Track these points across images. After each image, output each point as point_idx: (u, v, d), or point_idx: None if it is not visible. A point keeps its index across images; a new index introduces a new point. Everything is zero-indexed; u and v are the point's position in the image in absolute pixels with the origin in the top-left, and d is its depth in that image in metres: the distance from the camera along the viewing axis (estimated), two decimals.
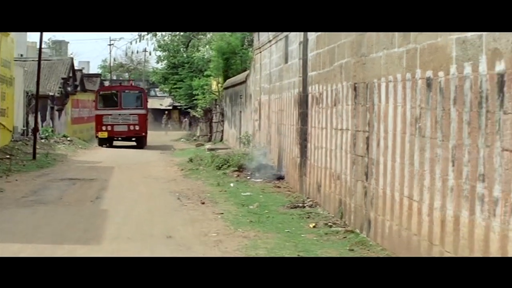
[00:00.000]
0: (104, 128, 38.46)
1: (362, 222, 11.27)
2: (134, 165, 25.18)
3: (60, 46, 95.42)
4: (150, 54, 76.31)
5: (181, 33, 56.52)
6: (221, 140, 39.28)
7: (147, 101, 41.61)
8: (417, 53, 8.88)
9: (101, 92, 41.19)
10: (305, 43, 16.11)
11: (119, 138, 39.48)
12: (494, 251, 6.81)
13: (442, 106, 8.08)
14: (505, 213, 6.62)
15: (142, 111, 39.66)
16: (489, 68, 6.94)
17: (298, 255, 9.63)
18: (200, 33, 55.10)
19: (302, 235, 11.23)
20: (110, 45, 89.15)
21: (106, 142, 39.12)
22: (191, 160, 25.00)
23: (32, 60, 45.29)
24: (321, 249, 10.13)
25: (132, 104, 39.34)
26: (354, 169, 11.79)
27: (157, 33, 55.42)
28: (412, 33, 9.07)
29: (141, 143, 39.25)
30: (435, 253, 8.23)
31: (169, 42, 57.31)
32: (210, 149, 29.71)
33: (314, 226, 12.07)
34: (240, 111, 31.70)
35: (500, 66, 6.73)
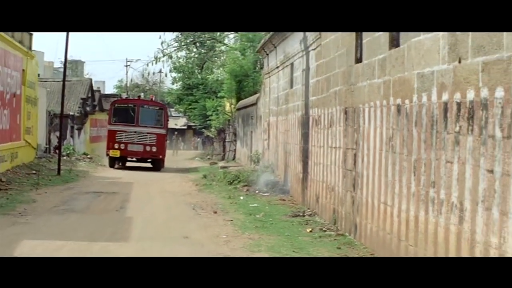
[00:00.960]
0: (116, 146, 34.02)
1: (350, 226, 13.17)
2: (151, 181, 27.07)
3: (76, 65, 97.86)
4: (166, 75, 78.48)
5: (196, 55, 58.52)
6: (234, 158, 41.18)
7: (167, 120, 37.14)
8: (391, 84, 10.81)
9: (116, 105, 36.01)
10: (307, 71, 18.07)
11: (133, 159, 35.48)
12: (441, 241, 8.69)
13: (407, 128, 10.01)
14: (447, 211, 8.52)
15: (162, 131, 35.06)
16: (438, 98, 8.86)
17: (294, 251, 11.52)
18: (214, 55, 57.17)
19: (299, 238, 13.11)
20: (126, 66, 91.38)
21: (118, 162, 35.65)
22: (205, 176, 26.95)
23: (52, 81, 47.71)
24: (313, 247, 12.01)
25: (150, 122, 34.71)
26: (345, 182, 13.71)
27: (173, 55, 57.50)
28: (387, 67, 11.01)
29: (157, 166, 35.19)
30: (402, 247, 10.13)
31: (184, 64, 59.25)
32: (223, 167, 31.66)
33: (310, 231, 13.95)
34: (251, 131, 33.66)
35: (445, 96, 8.64)
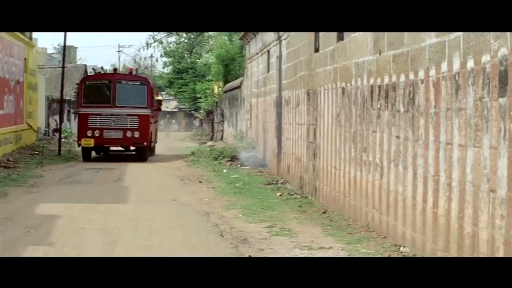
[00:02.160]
0: (89, 133, 27.20)
1: (312, 190, 15.73)
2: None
3: (69, 51, 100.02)
4: (157, 60, 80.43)
5: (185, 41, 60.95)
6: (222, 138, 43.68)
7: (153, 97, 28.94)
8: (338, 70, 13.33)
9: (86, 82, 28.92)
10: (280, 58, 20.60)
11: (110, 148, 29.68)
12: (370, 194, 11.26)
13: (348, 106, 12.55)
14: (373, 170, 11.08)
15: (145, 111, 27.86)
16: (367, 82, 11.39)
17: (262, 209, 14.05)
18: (202, 41, 59.61)
19: (269, 200, 15.65)
20: (119, 51, 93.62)
21: (98, 153, 30.00)
22: (193, 153, 29.45)
23: (49, 67, 50.32)
24: (279, 206, 14.54)
25: (131, 100, 27.72)
26: (308, 153, 16.26)
27: (163, 40, 59.95)
28: (335, 57, 13.53)
29: (142, 156, 28.38)
30: (346, 202, 12.70)
31: (174, 49, 61.58)
32: (210, 146, 34.18)
33: (280, 195, 16.48)
34: (237, 112, 36.18)
35: (371, 81, 11.18)
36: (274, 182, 18.95)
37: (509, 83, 6.62)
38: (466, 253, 7.51)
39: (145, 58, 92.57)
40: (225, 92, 43.80)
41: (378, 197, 10.84)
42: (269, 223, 12.21)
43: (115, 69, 31.68)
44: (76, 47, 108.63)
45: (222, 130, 44.74)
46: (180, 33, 60.26)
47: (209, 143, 39.09)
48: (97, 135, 27.29)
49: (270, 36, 22.51)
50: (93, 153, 28.99)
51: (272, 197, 16.22)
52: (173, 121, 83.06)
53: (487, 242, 7.07)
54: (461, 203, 7.69)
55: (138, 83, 28.61)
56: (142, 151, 28.50)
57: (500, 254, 6.77)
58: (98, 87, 28.33)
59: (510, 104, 6.59)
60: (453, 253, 7.87)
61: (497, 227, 6.85)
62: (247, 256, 9.36)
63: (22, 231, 11.26)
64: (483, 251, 7.14)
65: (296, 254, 9.61)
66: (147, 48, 61.59)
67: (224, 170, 22.63)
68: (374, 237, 10.57)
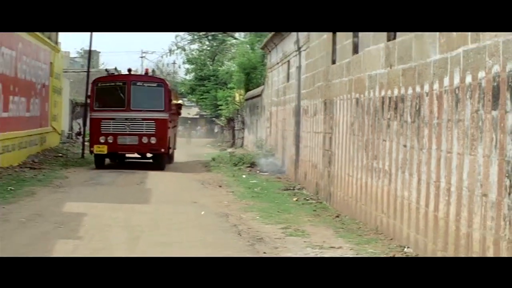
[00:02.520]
0: (102, 139, 25.48)
1: (326, 195, 16.42)
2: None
3: (92, 56, 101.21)
4: (179, 67, 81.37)
5: (208, 48, 61.76)
6: (242, 145, 44.43)
7: (170, 100, 26.76)
8: (353, 82, 14.02)
9: (99, 84, 26.84)
10: (299, 68, 21.32)
11: (126, 155, 27.94)
12: (379, 199, 11.93)
13: (361, 116, 13.24)
14: (382, 176, 11.76)
15: (163, 115, 25.97)
16: (379, 93, 12.08)
17: (278, 212, 14.75)
18: (225, 49, 60.41)
19: (286, 204, 16.34)
20: (141, 57, 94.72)
21: (113, 160, 28.08)
22: (213, 159, 30.21)
23: (73, 71, 51.41)
24: (294, 210, 15.23)
25: (147, 104, 25.90)
26: (324, 160, 16.95)
27: (186, 48, 60.82)
28: (351, 69, 14.22)
29: (160, 163, 26.41)
30: (358, 207, 13.37)
31: (196, 57, 62.43)
32: (231, 152, 34.93)
33: (296, 200, 17.18)
34: (257, 120, 36.91)
35: (383, 93, 11.87)
36: (291, 188, 19.63)
37: (500, 97, 7.30)
38: (462, 253, 8.19)
39: (167, 65, 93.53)
40: (246, 100, 44.54)
41: (386, 202, 11.52)
42: (284, 225, 12.90)
43: (129, 70, 27.76)
44: (99, 52, 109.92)
45: (243, 137, 45.48)
46: (203, 41, 61.11)
47: (230, 150, 39.82)
48: (110, 141, 25.47)
49: (290, 46, 23.23)
50: (107, 160, 27.52)
51: (289, 201, 16.90)
52: (196, 127, 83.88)
53: (479, 242, 7.75)
54: (458, 206, 8.37)
55: (154, 84, 26.51)
56: (160, 159, 26.45)
57: (490, 253, 7.43)
58: (111, 90, 26.35)
59: (501, 116, 7.27)
60: (450, 253, 8.54)
61: (488, 228, 7.53)
62: (262, 253, 10.08)
63: (51, 226, 12.03)
64: (475, 250, 7.81)
65: (308, 252, 10.30)
66: (170, 55, 62.40)
67: (244, 176, 23.35)
68: (381, 239, 11.24)
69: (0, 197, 15.49)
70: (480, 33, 7.86)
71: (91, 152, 26.12)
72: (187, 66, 64.87)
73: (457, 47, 8.53)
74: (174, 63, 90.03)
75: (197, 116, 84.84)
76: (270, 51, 30.24)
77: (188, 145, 52.72)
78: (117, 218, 13.25)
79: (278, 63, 27.12)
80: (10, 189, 17.07)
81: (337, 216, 14.17)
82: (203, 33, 59.52)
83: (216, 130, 74.43)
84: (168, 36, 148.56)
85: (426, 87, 9.64)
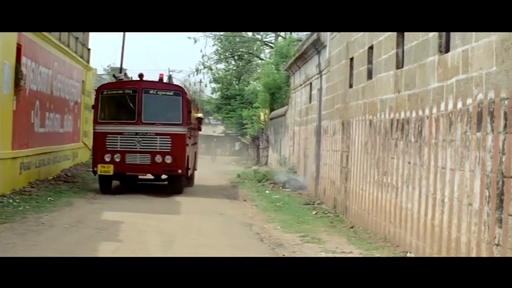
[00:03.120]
0: (107, 157, 22.15)
1: (343, 209, 17.75)
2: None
3: (120, 73, 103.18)
4: (206, 86, 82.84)
5: (234, 68, 63.31)
6: (266, 163, 45.80)
7: (190, 112, 23.34)
8: (367, 105, 15.38)
9: (104, 91, 23.14)
10: (320, 90, 22.72)
11: (138, 177, 23.91)
12: (387, 211, 13.26)
13: (374, 136, 14.60)
14: (390, 190, 13.10)
15: (180, 130, 22.40)
16: (389, 116, 13.43)
17: (297, 223, 16.11)
18: (250, 69, 61.94)
19: (305, 217, 17.69)
20: (169, 76, 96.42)
21: (125, 182, 24.23)
22: (238, 175, 31.67)
23: None
24: (313, 222, 16.59)
25: (161, 116, 22.51)
26: (341, 177, 18.30)
27: (213, 67, 62.44)
28: (365, 93, 15.58)
29: (176, 187, 22.93)
30: (370, 219, 14.70)
31: (223, 76, 63.98)
32: (255, 170, 36.35)
33: (315, 213, 18.52)
34: (281, 139, 38.32)
35: (392, 115, 13.22)
36: (311, 203, 20.98)
37: (483, 121, 8.64)
38: (452, 254, 9.52)
39: (194, 84, 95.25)
40: (271, 119, 45.90)
41: (393, 213, 12.85)
42: (303, 234, 14.26)
43: (141, 76, 23.18)
44: (126, 69, 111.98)
45: (267, 156, 46.85)
46: (229, 60, 62.68)
47: (254, 167, 41.22)
48: (117, 159, 21.96)
49: (312, 69, 24.64)
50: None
51: (308, 215, 18.24)
52: (222, 146, 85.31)
53: (465, 244, 9.07)
54: (450, 215, 9.71)
55: (170, 93, 22.75)
56: (176, 181, 22.86)
57: (474, 253, 8.75)
58: (119, 98, 22.74)
59: (483, 137, 8.61)
60: (443, 255, 9.88)
61: (472, 232, 8.86)
62: (281, 255, 11.45)
63: (93, 231, 13.45)
64: (463, 252, 9.14)
65: (322, 256, 11.65)
66: (197, 74, 63.98)
67: (267, 191, 24.73)
68: (388, 246, 12.58)
69: (42, 206, 16.94)
70: (469, 65, 9.22)
71: (94, 172, 22.60)
72: (213, 85, 66.44)
73: (451, 77, 9.89)
74: (200, 82, 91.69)
75: (223, 134, 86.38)
76: (294, 73, 31.74)
77: (213, 163, 54.03)
78: (151, 225, 14.65)
79: (301, 85, 28.56)
80: (50, 199, 18.53)
81: (352, 227, 15.49)
82: (229, 52, 61.22)
83: (237, 148, 75.92)
84: (195, 55, 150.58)
85: (427, 111, 10.99)
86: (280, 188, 26.07)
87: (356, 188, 16.34)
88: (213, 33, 60.51)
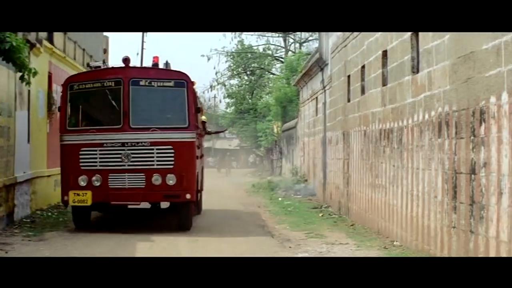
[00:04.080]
0: (82, 181, 15.86)
1: (346, 210, 19.90)
2: (209, 190, 34.09)
3: None
4: (220, 101, 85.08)
5: (247, 83, 65.50)
6: (280, 173, 47.99)
7: (197, 110, 17.15)
8: (362, 117, 17.54)
9: (74, 86, 16.60)
10: (324, 104, 24.91)
11: (127, 207, 17.77)
12: (379, 209, 15.38)
13: (367, 144, 16.76)
14: (380, 191, 15.25)
15: (186, 136, 16.16)
16: (378, 126, 15.59)
17: (304, 223, 18.26)
18: (262, 83, 64.16)
19: (312, 218, 19.82)
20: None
21: (109, 213, 18.73)
22: (253, 185, 33.90)
23: None
24: (318, 222, 18.72)
25: (158, 117, 16.40)
26: (343, 181, 20.46)
27: (226, 83, 64.72)
28: (360, 107, 17.74)
29: (183, 219, 16.56)
30: (366, 216, 16.84)
31: (236, 91, 66.17)
32: (269, 180, 38.57)
33: (321, 215, 20.66)
34: (293, 150, 40.55)
35: (380, 126, 15.38)
36: (319, 207, 23.14)
37: (441, 129, 10.81)
38: (425, 240, 11.67)
39: (209, 99, 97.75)
40: (283, 131, 48.08)
41: (383, 210, 15.00)
42: (308, 231, 16.39)
43: (126, 60, 16.35)
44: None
45: (281, 166, 49.04)
46: (242, 76, 64.90)
47: (269, 178, 43.34)
48: (97, 183, 15.67)
49: (317, 85, 26.86)
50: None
51: (315, 217, 20.38)
52: (237, 158, 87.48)
53: (433, 229, 11.23)
54: (422, 207, 11.87)
55: (170, 83, 16.25)
56: (183, 211, 16.41)
57: (438, 236, 10.90)
58: (97, 95, 16.46)
59: (442, 142, 10.77)
60: (419, 240, 12.03)
61: (437, 219, 11.01)
62: (288, 247, 13.62)
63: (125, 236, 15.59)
64: (432, 236, 11.29)
65: (322, 247, 13.77)
66: (211, 90, 66.12)
67: (279, 199, 26.93)
68: (380, 238, 14.70)
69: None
70: (432, 84, 11.39)
71: (65, 203, 16.04)
72: (227, 100, 68.67)
73: (420, 94, 12.06)
74: (215, 97, 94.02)
75: (238, 148, 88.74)
76: (301, 88, 34.04)
77: (227, 176, 56.05)
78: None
79: (308, 99, 30.80)
80: None
81: (352, 225, 17.62)
82: (242, 68, 63.49)
83: (252, 160, 78.05)
84: (209, 73, 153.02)
85: (405, 122, 13.15)
86: (292, 195, 28.24)
87: (355, 190, 18.48)
88: (225, 49, 62.97)
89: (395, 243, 13.69)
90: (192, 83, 16.53)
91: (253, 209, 22.92)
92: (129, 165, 15.55)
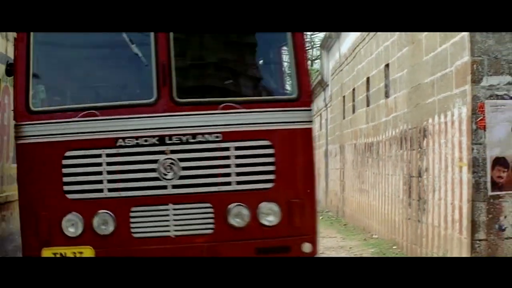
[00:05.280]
0: (70, 225, 6.79)
1: (342, 213, 22.81)
2: None
3: None
4: None
5: None
6: None
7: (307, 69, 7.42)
8: (353, 132, 20.47)
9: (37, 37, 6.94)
10: (326, 120, 27.87)
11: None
12: (364, 209, 18.29)
13: (356, 155, 19.70)
14: (365, 194, 18.16)
15: (299, 118, 7.31)
16: (364, 140, 18.52)
17: None
18: None
19: None
20: None
21: None
22: None
23: None
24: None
25: (234, 82, 7.62)
26: (340, 188, 23.39)
27: None
28: (351, 123, 20.66)
29: None
30: (355, 216, 19.76)
31: None
32: None
33: (321, 218, 23.54)
34: None
35: (365, 140, 18.31)
36: (320, 212, 26.05)
37: (402, 143, 13.76)
38: (392, 231, 14.60)
39: None
40: None
41: (367, 210, 17.92)
42: None
43: None
44: None
45: None
46: None
47: None
48: (104, 229, 6.88)
49: (321, 103, 29.83)
50: None
51: None
52: None
53: (398, 222, 14.16)
54: (391, 205, 14.81)
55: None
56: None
57: (401, 227, 13.83)
58: (96, 39, 7.22)
59: (402, 153, 13.72)
60: (389, 232, 14.97)
61: (400, 214, 13.95)
62: None
63: None
64: (397, 227, 14.23)
65: None
66: None
67: None
68: (363, 233, 17.60)
69: None
70: (397, 107, 14.34)
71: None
72: None
73: (390, 114, 15.01)
74: None
75: None
76: None
77: None
78: None
79: (314, 115, 33.76)
80: None
81: (345, 225, 20.53)
82: None
83: None
84: None
85: (381, 137, 16.10)
86: None
87: (348, 195, 21.41)
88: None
89: (373, 236, 16.61)
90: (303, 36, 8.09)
91: None
92: (175, 186, 6.94)
